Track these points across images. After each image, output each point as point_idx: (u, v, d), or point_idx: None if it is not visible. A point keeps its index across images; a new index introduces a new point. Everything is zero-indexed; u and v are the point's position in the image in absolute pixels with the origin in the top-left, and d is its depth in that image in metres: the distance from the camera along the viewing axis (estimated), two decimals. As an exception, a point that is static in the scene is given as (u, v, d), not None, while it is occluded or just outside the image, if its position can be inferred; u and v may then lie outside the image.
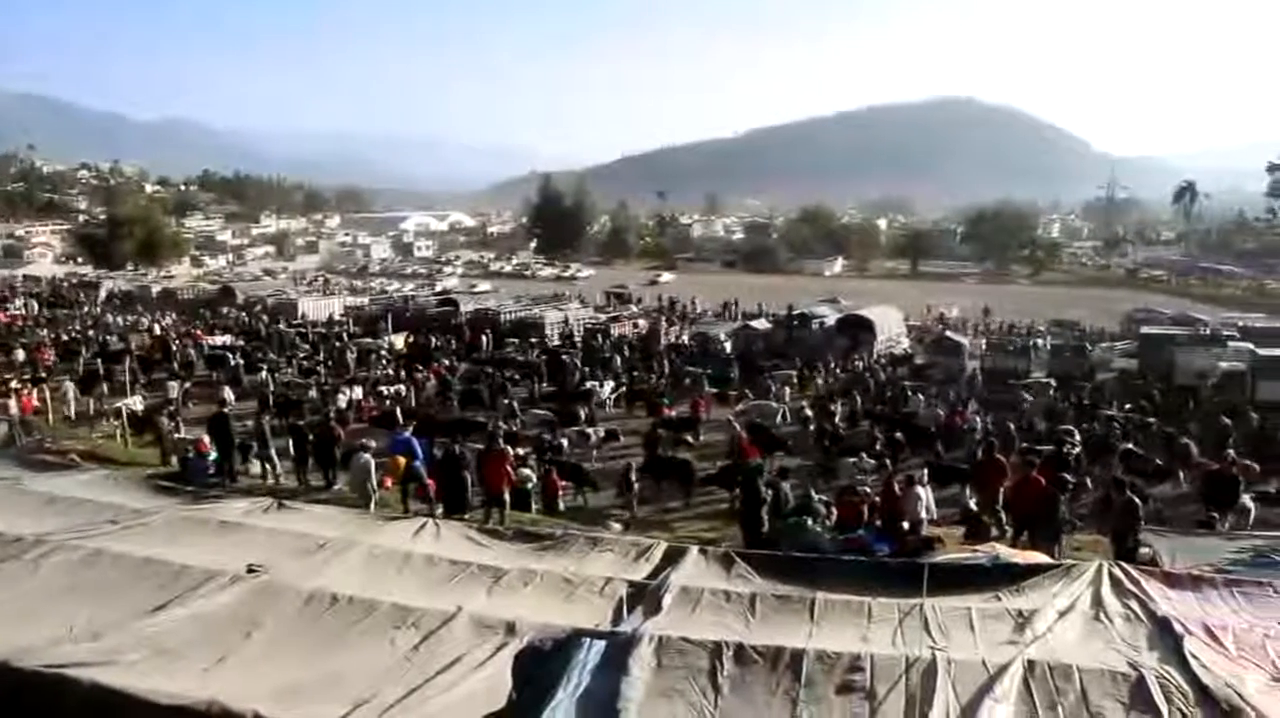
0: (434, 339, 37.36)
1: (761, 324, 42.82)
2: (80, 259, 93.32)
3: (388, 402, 24.40)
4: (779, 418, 23.99)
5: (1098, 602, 6.49)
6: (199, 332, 38.60)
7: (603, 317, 47.73)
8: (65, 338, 36.01)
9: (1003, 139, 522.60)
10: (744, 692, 5.17)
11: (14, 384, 22.77)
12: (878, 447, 19.78)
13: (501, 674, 5.42)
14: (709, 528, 15.56)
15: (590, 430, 21.55)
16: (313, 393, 25.32)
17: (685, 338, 41.25)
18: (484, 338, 37.77)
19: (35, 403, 22.63)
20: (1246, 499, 15.85)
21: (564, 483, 17.47)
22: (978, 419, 22.93)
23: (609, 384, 27.85)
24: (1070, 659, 5.38)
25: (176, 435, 18.93)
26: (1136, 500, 12.64)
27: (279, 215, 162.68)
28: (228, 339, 36.50)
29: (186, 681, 5.45)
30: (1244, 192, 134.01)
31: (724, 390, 27.63)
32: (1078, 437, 21.03)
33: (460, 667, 5.70)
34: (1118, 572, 6.97)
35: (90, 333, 38.30)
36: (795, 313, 42.10)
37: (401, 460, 15.59)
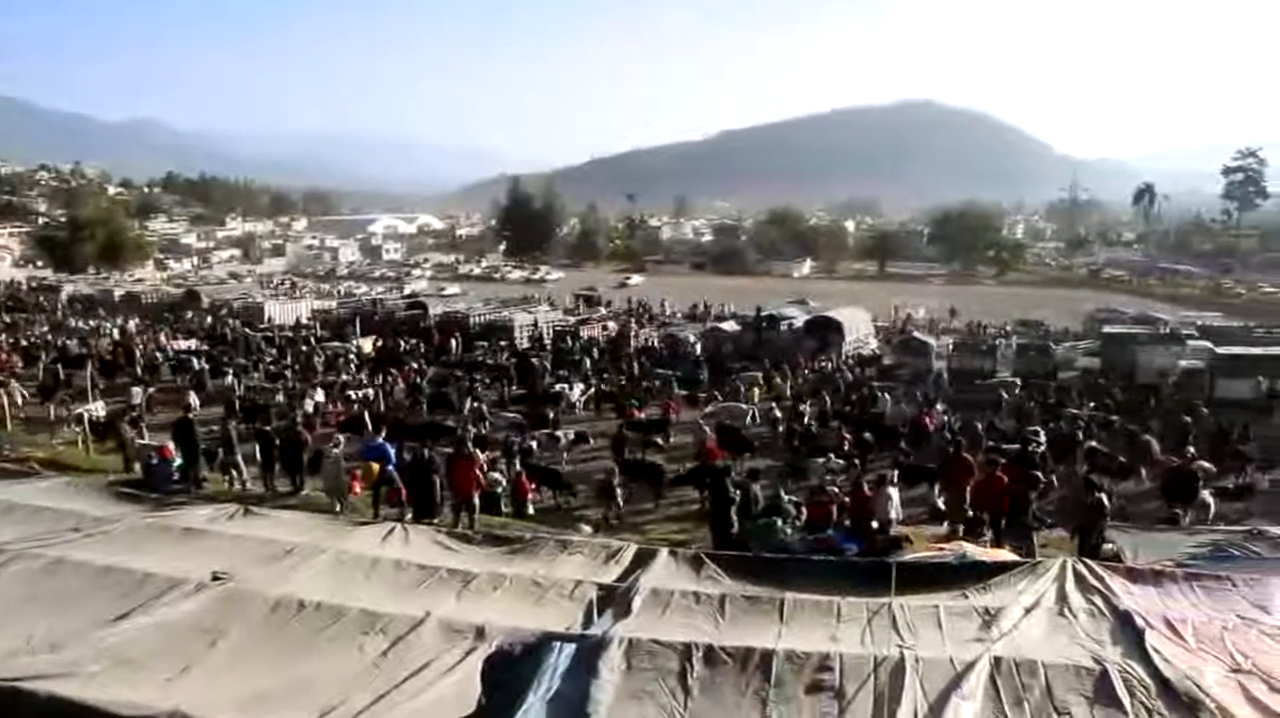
0: (402, 343, 37.10)
1: (730, 326, 42.96)
2: (40, 263, 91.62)
3: (356, 406, 24.20)
4: (748, 419, 24.06)
5: (1062, 598, 6.56)
6: (163, 336, 38.05)
7: (572, 319, 47.66)
8: (25, 343, 35.33)
9: (966, 141, 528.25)
10: (714, 693, 5.17)
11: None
12: (846, 447, 19.92)
13: (471, 679, 5.38)
14: (679, 530, 15.59)
15: (560, 433, 21.49)
16: (280, 397, 25.05)
17: (655, 340, 41.27)
18: (453, 341, 37.54)
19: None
20: (1206, 495, 16.18)
21: (541, 488, 17.41)
22: (945, 419, 23.14)
23: (579, 387, 27.81)
24: (1035, 655, 5.43)
25: (140, 441, 18.63)
26: (1105, 501, 12.85)
27: (245, 218, 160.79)
28: (193, 343, 36.01)
29: (149, 691, 5.36)
30: (1202, 193, 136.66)
31: (694, 392, 27.67)
32: (1043, 435, 21.31)
33: (429, 672, 5.67)
34: (1082, 568, 7.04)
35: (51, 338, 37.63)
36: (764, 314, 42.29)
37: (375, 466, 15.48)
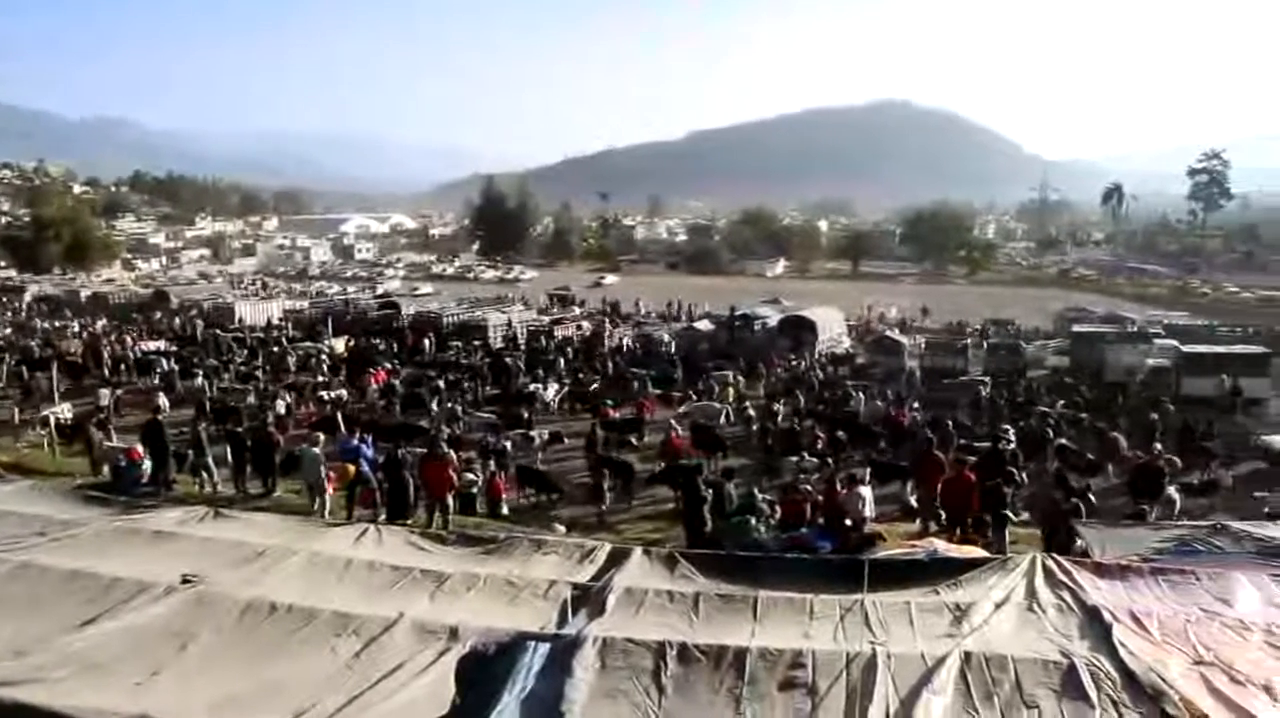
0: (375, 343, 36.88)
1: (705, 325, 43.08)
2: (3, 263, 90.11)
3: (328, 407, 24.04)
4: (722, 418, 24.16)
5: (1032, 593, 6.62)
6: (130, 337, 37.58)
7: (546, 319, 47.58)
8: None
9: (938, 141, 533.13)
10: (688, 691, 5.18)
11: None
12: (820, 445, 20.03)
13: (444, 680, 5.36)
14: (653, 529, 15.65)
15: (534, 433, 21.48)
16: (251, 399, 24.83)
17: (629, 340, 41.29)
18: (426, 341, 37.37)
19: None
20: (1172, 491, 16.44)
21: (528, 490, 17.32)
22: (917, 417, 23.33)
23: (553, 386, 27.78)
24: (1005, 650, 5.49)
25: (108, 444, 18.40)
26: (1080, 504, 13.04)
27: (215, 217, 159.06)
28: (162, 344, 35.59)
29: (116, 696, 5.29)
30: (1168, 194, 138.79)
31: (668, 392, 27.71)
32: (1013, 432, 21.55)
33: (403, 673, 5.63)
34: (1051, 563, 7.12)
35: (14, 339, 37.05)
36: (738, 314, 42.43)
37: (351, 468, 15.40)
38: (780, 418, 22.83)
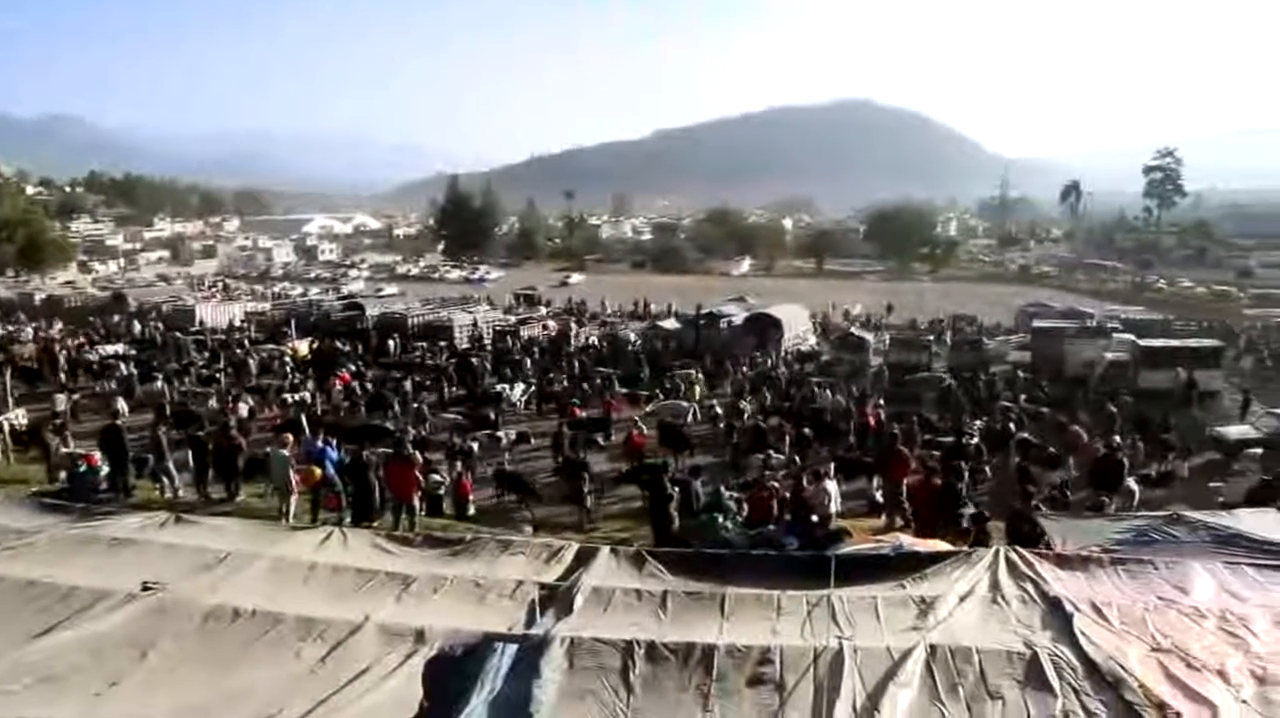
0: (340, 344, 36.51)
1: (671, 324, 43.17)
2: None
3: (292, 409, 23.78)
4: (689, 417, 24.22)
5: (995, 585, 6.70)
6: (87, 340, 36.88)
7: (512, 319, 47.42)
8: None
9: (901, 140, 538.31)
10: (656, 689, 5.18)
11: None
12: (786, 442, 20.14)
13: (412, 683, 5.32)
14: (621, 528, 15.63)
15: (501, 433, 21.41)
16: (213, 402, 24.48)
17: (595, 339, 41.25)
18: (391, 342, 37.07)
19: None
20: (1131, 482, 16.73)
21: (509, 495, 17.18)
22: (882, 413, 23.51)
23: (519, 387, 27.69)
24: (970, 642, 5.56)
25: (64, 450, 18.04)
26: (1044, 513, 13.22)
27: (174, 218, 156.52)
28: (120, 348, 34.96)
29: (74, 708, 5.20)
30: (1125, 192, 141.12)
31: (634, 391, 27.73)
32: (977, 425, 21.84)
33: (369, 677, 5.57)
34: (1014, 556, 7.20)
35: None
36: (704, 312, 42.56)
37: (317, 471, 15.24)
38: (747, 416, 22.94)
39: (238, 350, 34.82)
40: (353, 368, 30.22)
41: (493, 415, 23.42)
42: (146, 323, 45.10)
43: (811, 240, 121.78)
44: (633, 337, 40.10)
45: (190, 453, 17.14)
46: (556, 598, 6.58)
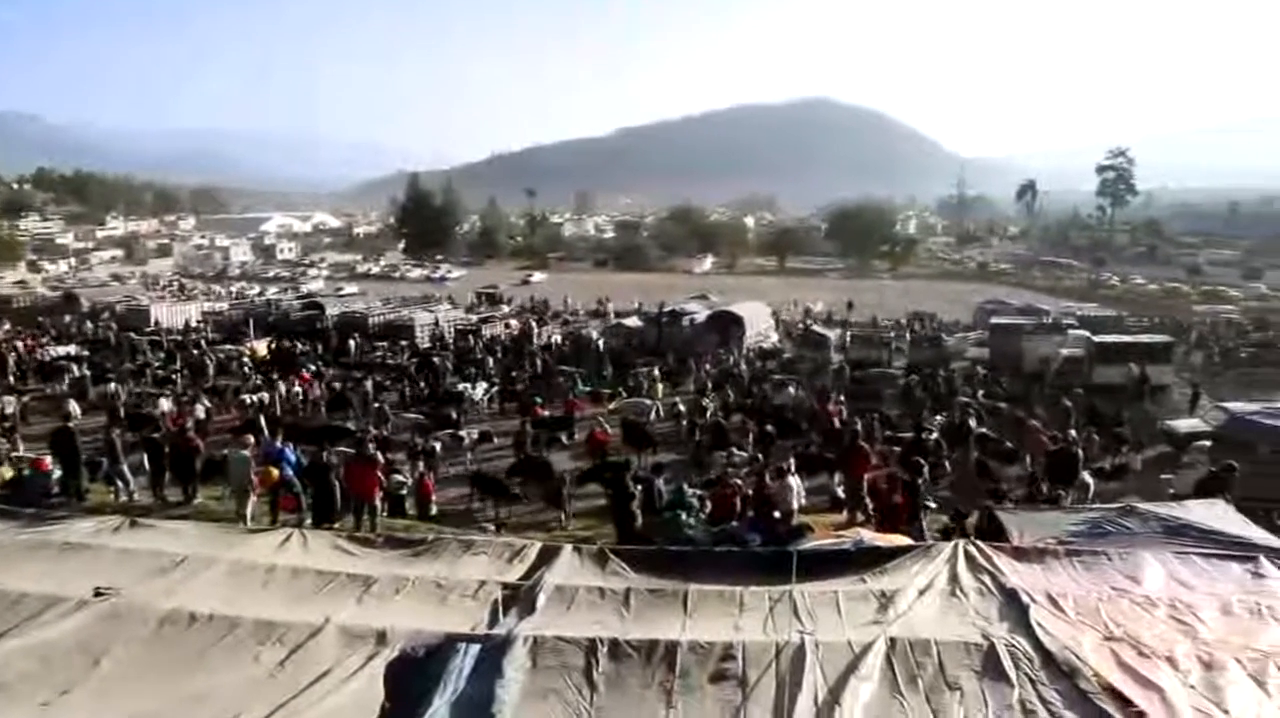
0: (299, 344, 36.07)
1: (633, 322, 43.19)
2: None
3: (250, 410, 23.45)
4: (652, 414, 24.25)
5: (954, 579, 6.81)
6: (33, 342, 36.07)
7: (474, 318, 47.16)
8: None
9: (861, 139, 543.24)
10: (620, 687, 5.20)
11: None
12: (749, 439, 20.23)
13: (373, 685, 5.28)
14: (584, 526, 15.60)
15: (464, 433, 21.29)
16: (168, 404, 24.07)
17: (558, 337, 41.16)
18: (351, 342, 36.70)
19: None
20: (1086, 475, 17.03)
21: (486, 498, 17.03)
22: (843, 410, 23.69)
23: (481, 386, 27.54)
24: (929, 634, 5.64)
25: (14, 453, 17.64)
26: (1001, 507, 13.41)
27: (127, 217, 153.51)
28: (72, 349, 34.25)
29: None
30: (1079, 190, 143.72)
31: (597, 389, 27.70)
32: (937, 421, 22.09)
33: (329, 679, 5.53)
34: (972, 549, 7.32)
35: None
36: (666, 310, 42.62)
37: (275, 472, 15.05)
38: (709, 413, 23.01)
39: (194, 351, 34.31)
40: (312, 368, 29.88)
41: (455, 415, 23.27)
42: (99, 323, 44.27)
43: (773, 238, 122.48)
44: (595, 335, 40.03)
45: (146, 455, 16.83)
46: (519, 597, 6.58)
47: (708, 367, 32.65)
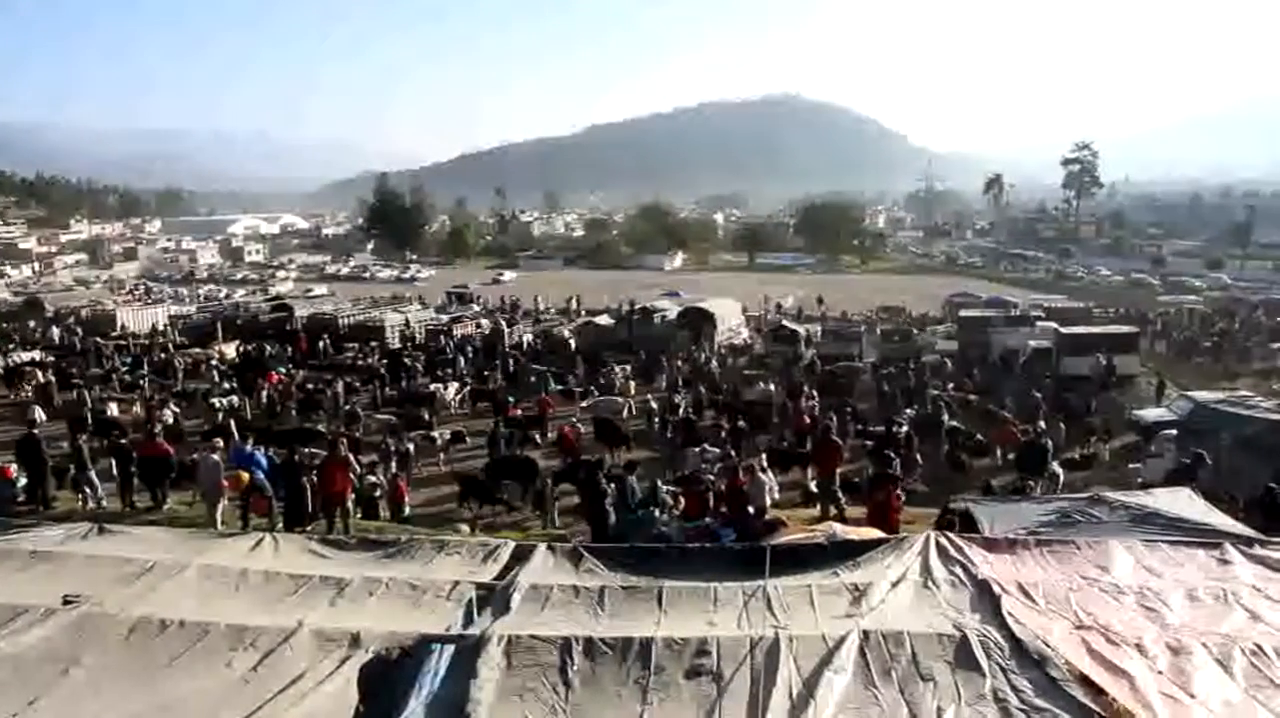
0: (268, 347, 35.72)
1: (604, 320, 43.15)
2: None
3: (220, 414, 23.19)
4: (625, 412, 24.24)
5: (926, 570, 6.86)
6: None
7: (445, 318, 46.91)
8: None
9: (829, 134, 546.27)
10: (594, 684, 5.19)
11: None
12: (722, 435, 20.28)
13: (347, 688, 5.24)
14: (558, 525, 15.58)
15: (436, 433, 21.18)
16: (136, 408, 23.75)
17: (529, 336, 41.05)
18: (321, 343, 36.38)
19: None
20: (1055, 466, 17.25)
21: (473, 501, 16.90)
22: (816, 405, 23.80)
23: (453, 386, 27.41)
24: (902, 626, 5.68)
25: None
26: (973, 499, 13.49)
27: (91, 220, 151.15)
28: (37, 355, 33.69)
29: (-10, 729, 5.01)
30: (1045, 184, 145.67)
31: (569, 387, 27.65)
32: (908, 414, 22.26)
33: (303, 684, 5.47)
34: (944, 541, 7.38)
35: None
36: (637, 307, 42.60)
37: (245, 475, 14.88)
38: (681, 410, 23.03)
39: (162, 355, 33.87)
40: (282, 370, 29.60)
41: (427, 416, 23.15)
42: (64, 328, 43.58)
43: (743, 234, 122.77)
44: (566, 333, 39.95)
45: (114, 461, 16.59)
46: (493, 597, 6.54)
47: (679, 363, 32.69)
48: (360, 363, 32.51)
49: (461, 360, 32.59)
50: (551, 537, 12.76)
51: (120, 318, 45.53)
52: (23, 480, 15.73)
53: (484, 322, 45.70)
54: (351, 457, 15.25)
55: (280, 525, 13.52)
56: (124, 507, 15.98)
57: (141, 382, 28.38)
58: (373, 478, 16.57)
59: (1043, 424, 20.45)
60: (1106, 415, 23.72)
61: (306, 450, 16.34)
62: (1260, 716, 4.80)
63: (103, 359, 33.25)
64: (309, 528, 13.31)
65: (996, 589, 6.22)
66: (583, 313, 51.94)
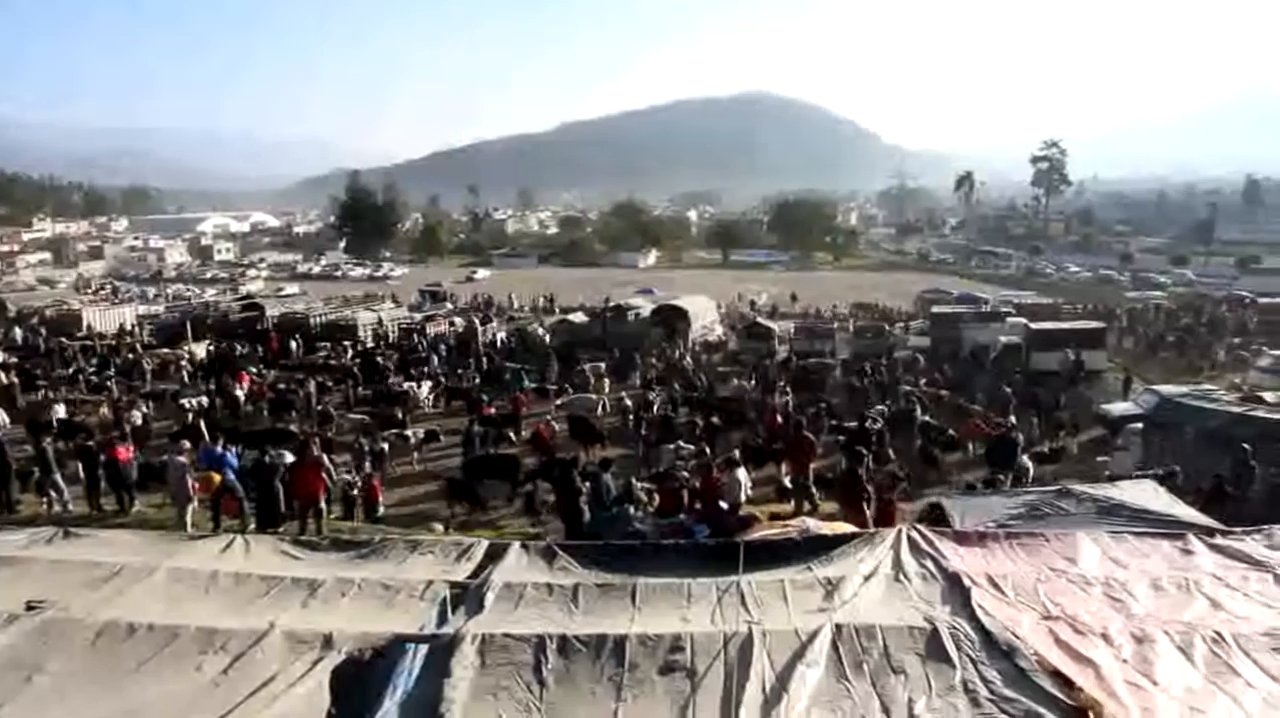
0: (239, 346, 35.35)
1: (579, 317, 43.11)
2: None
3: (190, 415, 22.93)
4: (599, 409, 24.23)
5: (898, 564, 6.92)
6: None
7: (418, 316, 46.65)
8: None
9: (802, 132, 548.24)
10: (569, 682, 5.21)
11: None
12: (697, 432, 20.33)
13: (320, 690, 5.21)
14: (533, 523, 15.57)
15: (409, 432, 21.08)
16: (104, 410, 23.43)
17: (503, 334, 40.92)
18: (293, 343, 36.06)
19: None
20: (1025, 459, 17.44)
21: (460, 503, 16.79)
22: (790, 401, 23.90)
23: (426, 384, 27.28)
24: (874, 620, 5.74)
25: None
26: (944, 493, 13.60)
27: (55, 219, 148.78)
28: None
29: (-51, 738, 4.94)
30: (1014, 181, 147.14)
31: (544, 385, 27.60)
32: (880, 409, 22.42)
33: (274, 686, 5.43)
34: (915, 535, 7.45)
35: None
36: (611, 305, 42.59)
37: (216, 477, 14.72)
38: (656, 407, 23.06)
39: (129, 355, 33.42)
40: (253, 370, 29.32)
41: (400, 415, 23.03)
42: (28, 329, 42.86)
43: (717, 232, 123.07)
44: (540, 331, 39.87)
45: (80, 464, 16.37)
46: (467, 596, 6.52)
47: (653, 361, 32.71)
48: (333, 362, 32.26)
49: (435, 359, 32.42)
50: (525, 535, 12.75)
51: (86, 318, 44.80)
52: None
53: (457, 320, 45.42)
54: (325, 457, 15.17)
55: (252, 527, 13.41)
56: (91, 510, 15.78)
57: (108, 383, 27.98)
58: (349, 476, 16.50)
59: (1013, 419, 20.71)
60: (1075, 410, 24.02)
61: (275, 452, 16.17)
62: (1219, 701, 4.90)
63: (68, 360, 32.78)
64: (281, 529, 13.20)
65: (967, 582, 6.30)
66: (557, 311, 51.85)
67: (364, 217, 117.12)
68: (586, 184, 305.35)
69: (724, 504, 13.33)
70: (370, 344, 37.56)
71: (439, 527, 14.73)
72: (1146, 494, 9.59)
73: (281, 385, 26.56)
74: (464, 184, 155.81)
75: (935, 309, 43.62)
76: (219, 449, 15.80)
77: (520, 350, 35.59)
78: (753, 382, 27.45)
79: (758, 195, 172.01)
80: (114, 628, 6.09)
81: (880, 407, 23.04)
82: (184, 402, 24.56)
